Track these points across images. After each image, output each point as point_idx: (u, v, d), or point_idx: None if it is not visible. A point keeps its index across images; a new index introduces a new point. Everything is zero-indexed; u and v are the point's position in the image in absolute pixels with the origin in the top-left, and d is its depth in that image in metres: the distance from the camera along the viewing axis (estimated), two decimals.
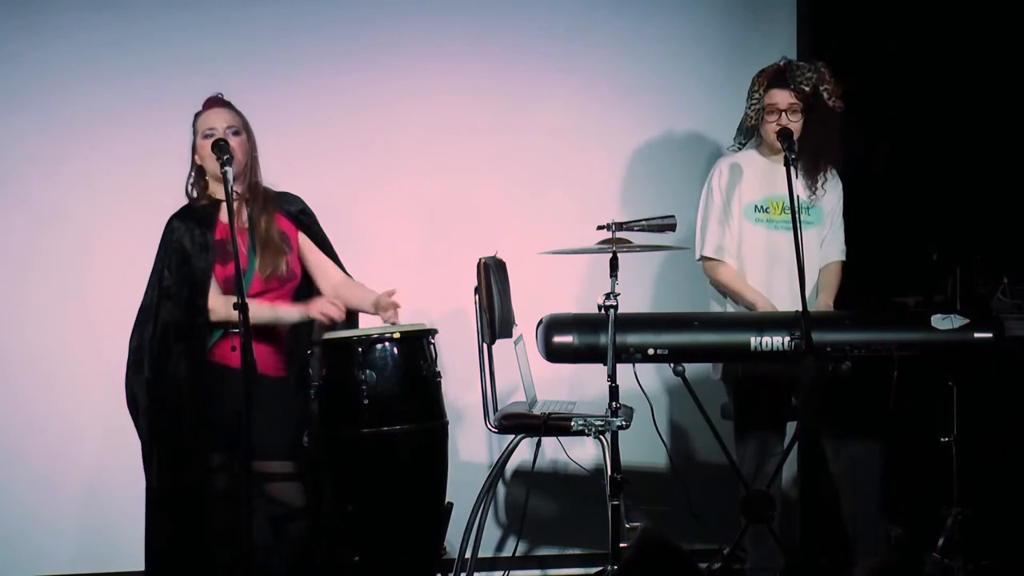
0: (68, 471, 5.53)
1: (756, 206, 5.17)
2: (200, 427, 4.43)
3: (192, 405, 4.44)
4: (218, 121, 4.60)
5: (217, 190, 4.62)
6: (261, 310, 4.50)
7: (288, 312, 4.58)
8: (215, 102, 4.65)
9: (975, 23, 5.78)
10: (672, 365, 4.74)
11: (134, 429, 4.53)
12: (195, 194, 4.66)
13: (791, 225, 4.65)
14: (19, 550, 5.50)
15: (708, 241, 5.20)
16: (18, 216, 5.55)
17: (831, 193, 5.22)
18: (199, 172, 4.65)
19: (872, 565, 3.05)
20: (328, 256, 4.77)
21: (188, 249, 4.54)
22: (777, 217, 5.15)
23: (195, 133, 4.63)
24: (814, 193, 5.18)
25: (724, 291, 5.20)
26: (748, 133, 5.24)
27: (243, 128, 4.63)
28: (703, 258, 5.22)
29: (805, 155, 5.12)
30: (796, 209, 4.71)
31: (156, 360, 4.48)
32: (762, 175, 5.17)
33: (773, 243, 5.15)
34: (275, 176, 4.73)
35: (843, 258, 5.27)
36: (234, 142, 4.55)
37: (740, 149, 5.28)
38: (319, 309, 4.56)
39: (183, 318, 4.50)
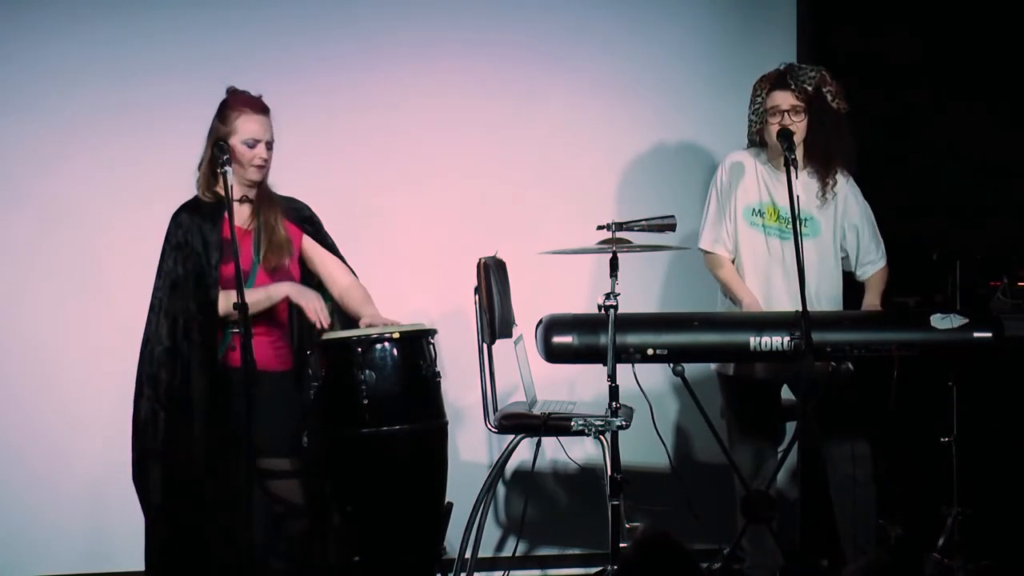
0: (69, 471, 5.53)
1: (753, 209, 5.16)
2: (210, 427, 4.43)
3: (203, 404, 4.44)
4: (262, 132, 4.55)
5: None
6: (256, 295, 4.46)
7: (278, 288, 4.52)
8: (260, 107, 4.57)
9: (975, 21, 5.78)
10: (672, 365, 4.75)
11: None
12: (204, 185, 4.59)
13: (785, 233, 4.64)
14: (19, 550, 5.50)
15: (706, 235, 5.20)
16: (19, 216, 5.54)
17: (852, 205, 5.15)
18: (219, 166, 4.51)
19: (862, 565, 3.05)
20: (336, 259, 4.75)
21: (195, 244, 4.52)
22: (772, 223, 5.13)
23: (231, 130, 4.53)
24: (823, 200, 5.13)
25: (720, 285, 5.20)
26: (752, 139, 5.21)
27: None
28: (701, 250, 5.22)
29: (815, 159, 5.10)
30: (796, 209, 4.71)
31: (172, 356, 4.47)
32: (762, 179, 5.15)
33: (767, 248, 5.13)
34: (275, 176, 4.72)
35: (883, 263, 5.20)
36: (267, 155, 4.54)
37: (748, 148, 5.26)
38: (311, 306, 4.51)
39: (194, 313, 4.48)
